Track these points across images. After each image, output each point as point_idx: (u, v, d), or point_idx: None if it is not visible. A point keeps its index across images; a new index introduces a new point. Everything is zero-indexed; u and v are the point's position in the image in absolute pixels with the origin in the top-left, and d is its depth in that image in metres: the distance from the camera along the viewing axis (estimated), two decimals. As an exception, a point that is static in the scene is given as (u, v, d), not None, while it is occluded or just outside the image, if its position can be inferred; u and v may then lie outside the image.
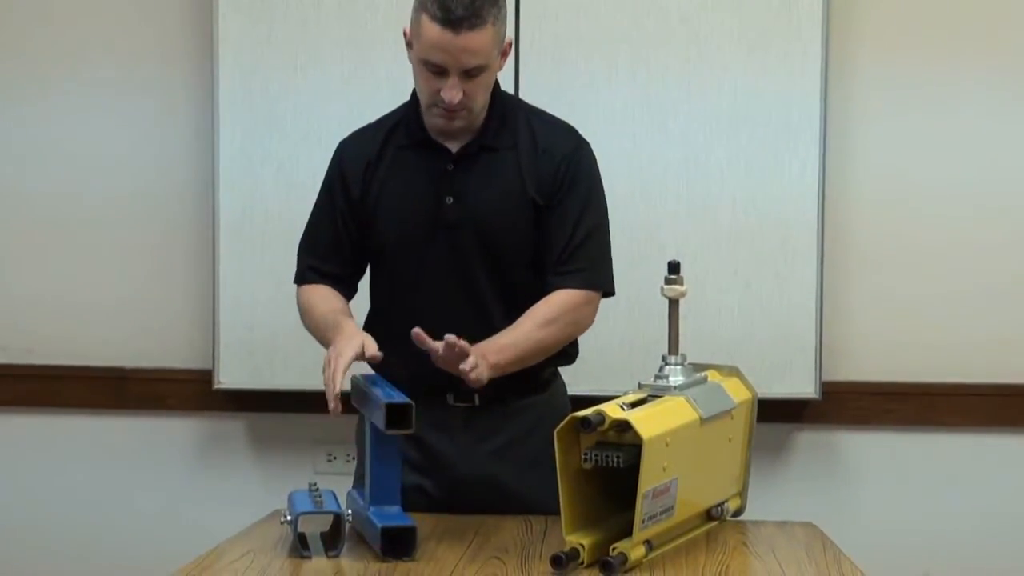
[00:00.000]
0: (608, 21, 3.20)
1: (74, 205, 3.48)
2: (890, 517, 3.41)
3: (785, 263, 3.28)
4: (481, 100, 2.49)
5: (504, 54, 2.51)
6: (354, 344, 2.37)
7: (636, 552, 2.19)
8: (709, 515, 2.43)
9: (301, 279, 2.65)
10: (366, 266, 2.66)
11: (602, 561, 2.17)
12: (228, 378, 3.38)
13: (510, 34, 2.59)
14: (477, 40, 2.39)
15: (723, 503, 2.44)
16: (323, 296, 2.58)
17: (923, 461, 3.41)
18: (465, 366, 2.33)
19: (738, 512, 2.51)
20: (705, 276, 3.24)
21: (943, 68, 3.35)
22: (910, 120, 3.37)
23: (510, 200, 2.53)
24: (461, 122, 2.49)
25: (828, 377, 3.33)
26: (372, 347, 2.37)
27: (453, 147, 2.54)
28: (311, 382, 3.26)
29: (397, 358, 2.49)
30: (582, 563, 2.19)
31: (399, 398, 2.28)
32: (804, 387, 3.29)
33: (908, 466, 3.42)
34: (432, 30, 2.39)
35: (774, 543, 2.41)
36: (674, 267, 2.36)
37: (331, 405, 2.31)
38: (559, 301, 2.51)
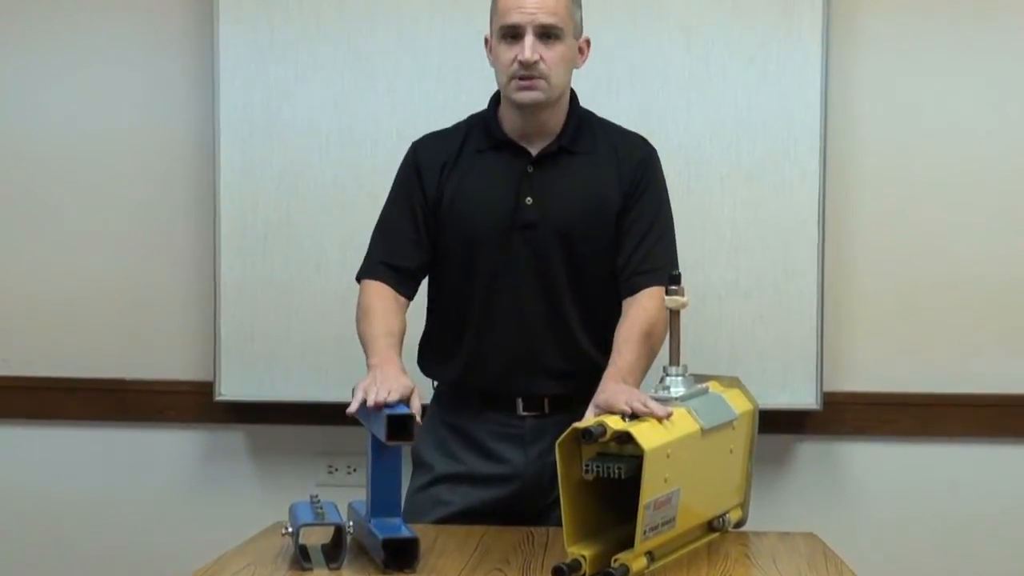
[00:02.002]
0: (607, 30, 3.20)
1: (75, 215, 3.48)
2: (891, 527, 3.40)
3: (785, 273, 3.27)
4: (557, 73, 2.54)
5: (582, 50, 2.62)
6: (407, 387, 2.36)
7: (638, 563, 2.19)
8: (711, 526, 2.43)
9: (369, 273, 2.65)
10: (430, 267, 2.68)
11: (604, 572, 2.17)
12: (229, 390, 3.37)
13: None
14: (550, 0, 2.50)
15: (724, 514, 2.44)
16: (385, 308, 2.58)
17: (924, 471, 3.39)
18: (630, 407, 2.27)
19: (740, 523, 2.50)
20: (706, 286, 3.24)
21: (944, 79, 3.35)
22: (911, 130, 3.35)
23: (590, 202, 2.60)
24: (540, 93, 2.53)
25: (829, 387, 3.32)
26: (416, 405, 2.36)
27: (533, 149, 2.61)
28: (312, 394, 3.33)
29: (465, 364, 2.64)
30: (584, 574, 2.19)
31: (400, 409, 2.29)
32: (805, 398, 3.29)
33: (909, 476, 3.40)
34: None
35: (776, 554, 2.41)
36: (675, 279, 2.36)
37: (351, 408, 2.34)
38: (655, 302, 2.52)
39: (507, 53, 2.53)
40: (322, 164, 3.33)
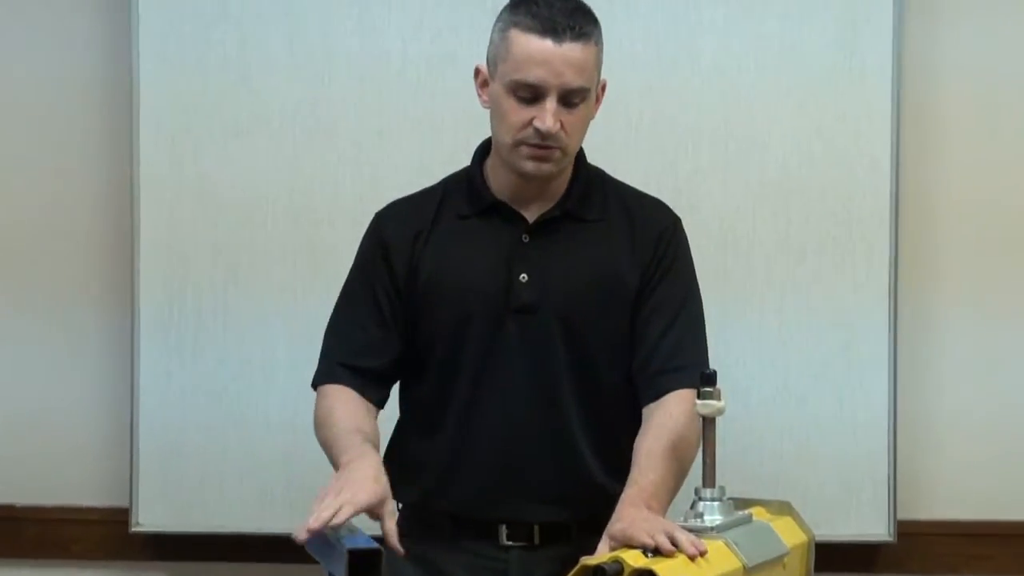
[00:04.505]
0: (625, 72, 3.20)
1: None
2: None
3: (848, 372, 3.30)
4: (576, 142, 2.55)
5: (598, 97, 2.58)
6: (373, 495, 2.33)
7: None
8: None
9: (326, 377, 2.64)
10: (402, 363, 2.66)
11: None
12: (148, 519, 3.38)
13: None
14: (581, 54, 2.47)
15: (774, 673, 2.43)
16: (349, 408, 2.57)
17: (1025, 620, 3.40)
18: (653, 540, 2.23)
19: None
20: (748, 389, 3.27)
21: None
22: (1004, 188, 3.39)
23: (599, 279, 2.59)
24: (552, 166, 2.53)
25: (905, 515, 3.33)
26: (392, 530, 2.34)
27: (529, 215, 2.60)
28: (253, 523, 3.37)
29: (434, 480, 2.62)
30: None
31: (364, 543, 2.28)
32: (874, 528, 3.31)
33: (1007, 627, 3.41)
34: (527, 42, 2.46)
35: None
36: (709, 378, 2.33)
37: (301, 536, 2.28)
38: (685, 408, 2.49)
39: (518, 113, 2.50)
40: (266, 238, 3.37)
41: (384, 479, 2.38)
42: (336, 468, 2.46)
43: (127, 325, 3.38)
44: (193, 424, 3.37)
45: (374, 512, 2.35)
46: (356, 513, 2.30)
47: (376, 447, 2.52)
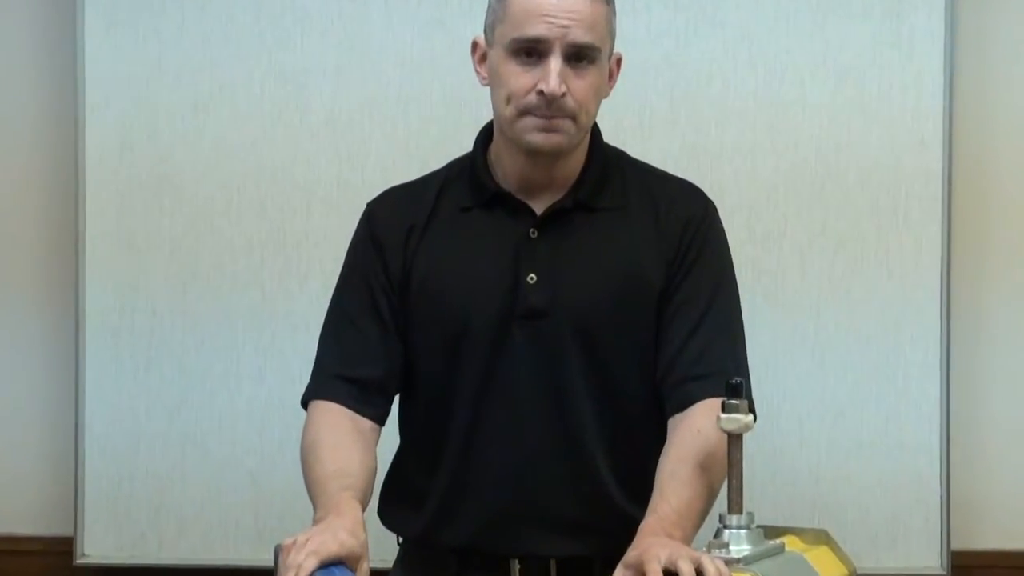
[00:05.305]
0: (638, 38, 3.26)
1: None
2: None
3: (895, 383, 3.30)
4: (587, 113, 2.53)
5: (611, 72, 2.59)
6: (343, 548, 2.28)
7: None
8: None
9: (318, 391, 2.63)
10: (403, 373, 2.66)
11: None
12: (95, 549, 3.38)
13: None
14: (588, 7, 2.47)
15: None
16: (336, 440, 2.54)
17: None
18: (677, 567, 2.21)
19: None
20: (780, 401, 3.27)
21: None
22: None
23: (618, 278, 2.57)
24: (562, 137, 2.51)
25: (959, 545, 3.33)
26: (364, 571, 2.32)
27: (538, 206, 2.58)
28: (216, 554, 3.35)
29: (436, 510, 2.60)
30: None
31: (337, 573, 2.25)
32: (925, 559, 3.31)
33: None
34: None
35: None
36: (735, 389, 2.31)
37: None
38: (715, 420, 2.39)
39: (519, 77, 2.48)
40: (230, 229, 3.37)
41: (362, 535, 2.33)
42: (313, 518, 2.43)
43: (71, 329, 3.39)
44: (147, 442, 3.37)
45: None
46: (322, 565, 2.25)
47: (362, 491, 2.47)
